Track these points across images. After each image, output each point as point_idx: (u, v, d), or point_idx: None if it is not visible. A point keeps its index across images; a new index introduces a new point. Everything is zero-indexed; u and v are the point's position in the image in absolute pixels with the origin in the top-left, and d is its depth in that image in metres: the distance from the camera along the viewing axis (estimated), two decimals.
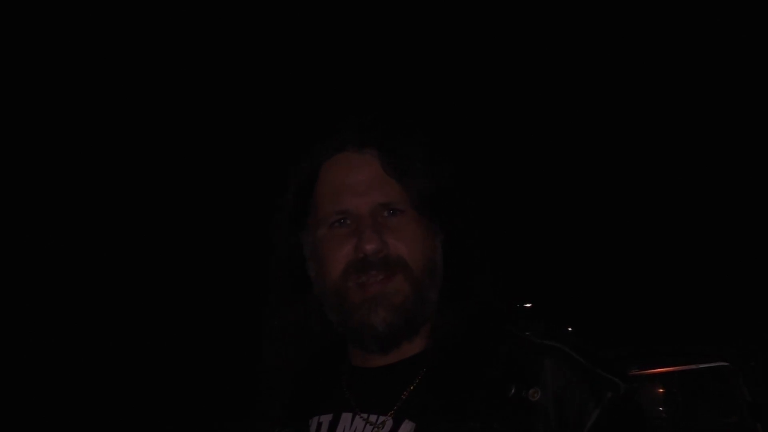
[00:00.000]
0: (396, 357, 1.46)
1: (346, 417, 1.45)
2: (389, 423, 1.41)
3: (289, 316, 1.55)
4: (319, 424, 1.47)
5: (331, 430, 1.46)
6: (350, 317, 1.45)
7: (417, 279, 1.45)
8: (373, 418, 1.42)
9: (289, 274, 1.56)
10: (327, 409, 1.48)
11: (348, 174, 1.49)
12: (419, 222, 1.48)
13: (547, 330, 1.46)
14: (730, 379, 8.00)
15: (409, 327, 1.45)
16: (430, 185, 1.50)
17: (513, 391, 1.37)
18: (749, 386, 7.99)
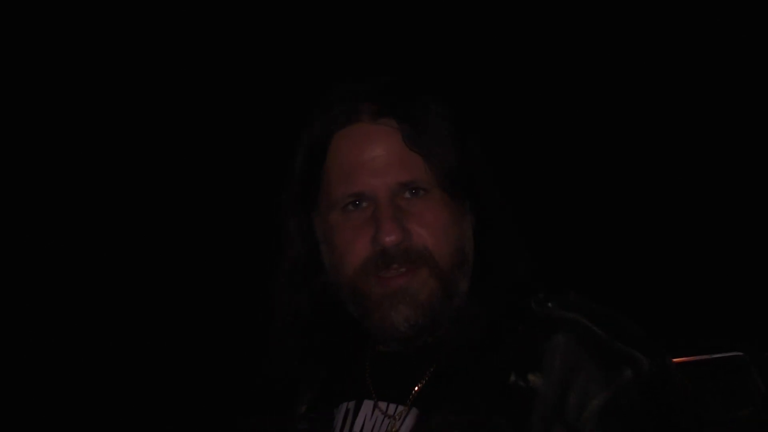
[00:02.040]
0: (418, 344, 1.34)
1: (367, 405, 1.36)
2: (404, 414, 1.30)
3: (303, 301, 1.41)
4: (347, 411, 1.38)
5: (353, 417, 1.37)
6: (369, 314, 1.31)
7: (444, 272, 1.30)
8: (391, 408, 1.32)
9: (301, 258, 1.40)
10: (351, 395, 1.39)
11: (363, 149, 1.31)
12: (446, 203, 1.31)
13: (570, 301, 1.28)
14: (743, 370, 7.85)
15: (434, 325, 1.30)
16: (459, 160, 1.32)
17: (512, 378, 1.22)
18: (764, 377, 7.85)
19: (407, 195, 1.30)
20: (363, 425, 1.34)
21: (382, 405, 1.33)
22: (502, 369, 1.24)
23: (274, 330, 1.44)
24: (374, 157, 1.30)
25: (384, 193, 1.29)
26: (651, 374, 1.19)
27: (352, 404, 1.37)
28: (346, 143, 1.33)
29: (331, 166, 1.34)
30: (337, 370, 1.43)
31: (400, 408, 1.30)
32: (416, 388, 1.30)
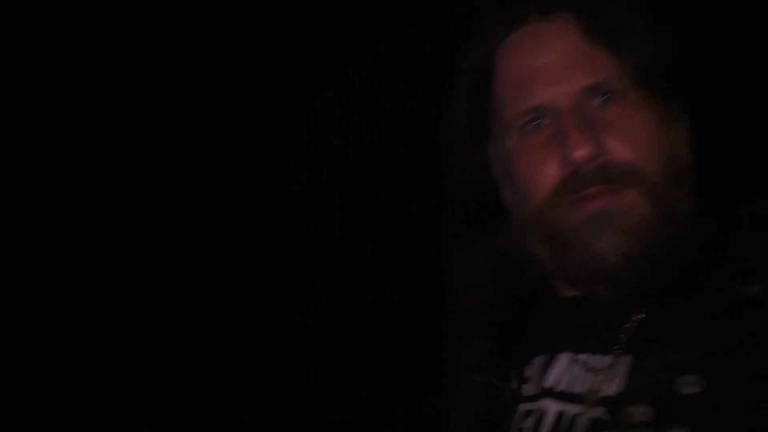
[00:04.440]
0: None
1: (563, 358, 1.21)
2: (611, 365, 1.13)
3: (482, 257, 1.26)
4: (537, 367, 1.24)
5: (546, 372, 1.22)
6: (565, 250, 1.12)
7: (658, 191, 1.09)
8: (593, 359, 1.17)
9: (476, 202, 1.25)
10: (543, 349, 1.25)
11: (535, 54, 1.13)
12: (648, 106, 1.12)
13: None
14: None
15: (651, 259, 1.10)
16: (660, 50, 1.12)
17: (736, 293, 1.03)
18: None
19: (597, 102, 1.12)
20: (558, 380, 1.19)
21: (583, 357, 1.18)
22: (722, 293, 1.04)
23: (455, 295, 1.29)
24: (550, 61, 1.11)
25: (567, 101, 1.11)
26: None
27: (542, 359, 1.22)
28: (514, 53, 1.15)
29: (500, 85, 1.17)
30: (525, 326, 1.28)
31: (605, 358, 1.14)
32: (624, 334, 1.13)
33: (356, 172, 5.72)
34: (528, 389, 1.22)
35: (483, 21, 1.17)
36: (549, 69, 1.10)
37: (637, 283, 1.11)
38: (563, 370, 1.18)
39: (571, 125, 1.07)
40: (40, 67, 5.25)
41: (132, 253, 6.96)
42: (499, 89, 1.16)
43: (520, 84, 1.13)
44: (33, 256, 6.56)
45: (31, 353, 6.65)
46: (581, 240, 1.09)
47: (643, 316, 1.11)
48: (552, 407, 1.16)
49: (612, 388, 1.09)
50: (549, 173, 1.10)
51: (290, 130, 5.21)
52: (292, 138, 5.19)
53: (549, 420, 1.15)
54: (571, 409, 1.13)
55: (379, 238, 6.52)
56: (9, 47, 5.14)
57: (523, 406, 1.21)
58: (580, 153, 1.06)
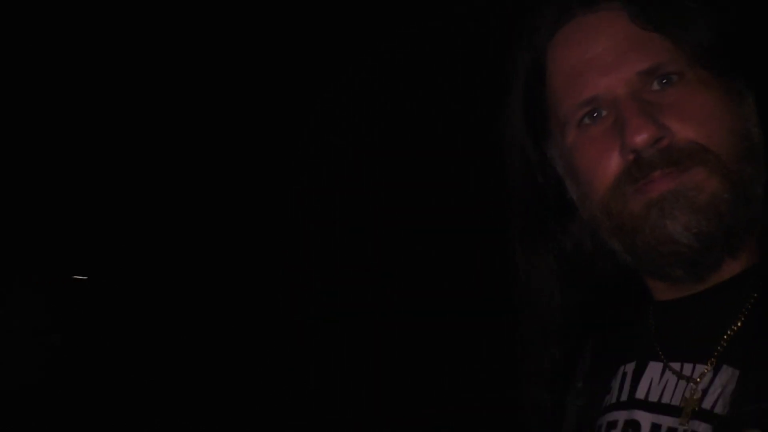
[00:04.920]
0: (712, 280, 1.05)
1: (654, 367, 1.11)
2: (708, 375, 1.02)
3: (551, 259, 1.19)
4: (624, 375, 1.15)
5: (634, 381, 1.12)
6: (635, 237, 1.03)
7: (729, 168, 1.00)
8: (687, 368, 1.06)
9: (540, 203, 1.18)
10: (631, 357, 1.15)
11: (585, 46, 1.07)
12: (710, 85, 1.03)
13: None
14: None
15: (729, 238, 1.01)
16: (715, 26, 1.05)
17: None
18: None
19: (655, 86, 1.03)
20: (649, 390, 1.10)
21: (675, 366, 1.07)
22: None
23: (524, 302, 1.23)
24: (600, 51, 1.06)
25: (622, 89, 1.03)
26: None
27: (631, 366, 1.14)
28: (563, 48, 1.10)
29: (553, 82, 1.12)
30: (613, 332, 1.19)
31: (701, 367, 1.03)
32: (722, 342, 1.02)
33: (356, 173, 5.71)
34: (610, 399, 1.14)
35: (531, 26, 1.13)
36: (600, 58, 1.05)
37: (720, 265, 1.02)
38: (654, 380, 1.10)
39: (629, 111, 1.01)
40: (42, 67, 5.19)
41: (132, 253, 6.92)
42: (552, 86, 1.12)
43: (572, 78, 1.08)
44: (34, 254, 6.52)
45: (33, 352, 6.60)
46: (650, 223, 1.01)
47: (742, 321, 1.01)
48: (645, 419, 1.08)
49: (715, 402, 1.00)
50: (610, 164, 1.03)
51: (290, 130, 5.20)
52: (293, 138, 5.18)
53: None
54: (666, 420, 1.07)
55: (379, 238, 6.50)
56: (9, 47, 5.08)
57: (604, 418, 1.13)
58: (641, 138, 0.99)
